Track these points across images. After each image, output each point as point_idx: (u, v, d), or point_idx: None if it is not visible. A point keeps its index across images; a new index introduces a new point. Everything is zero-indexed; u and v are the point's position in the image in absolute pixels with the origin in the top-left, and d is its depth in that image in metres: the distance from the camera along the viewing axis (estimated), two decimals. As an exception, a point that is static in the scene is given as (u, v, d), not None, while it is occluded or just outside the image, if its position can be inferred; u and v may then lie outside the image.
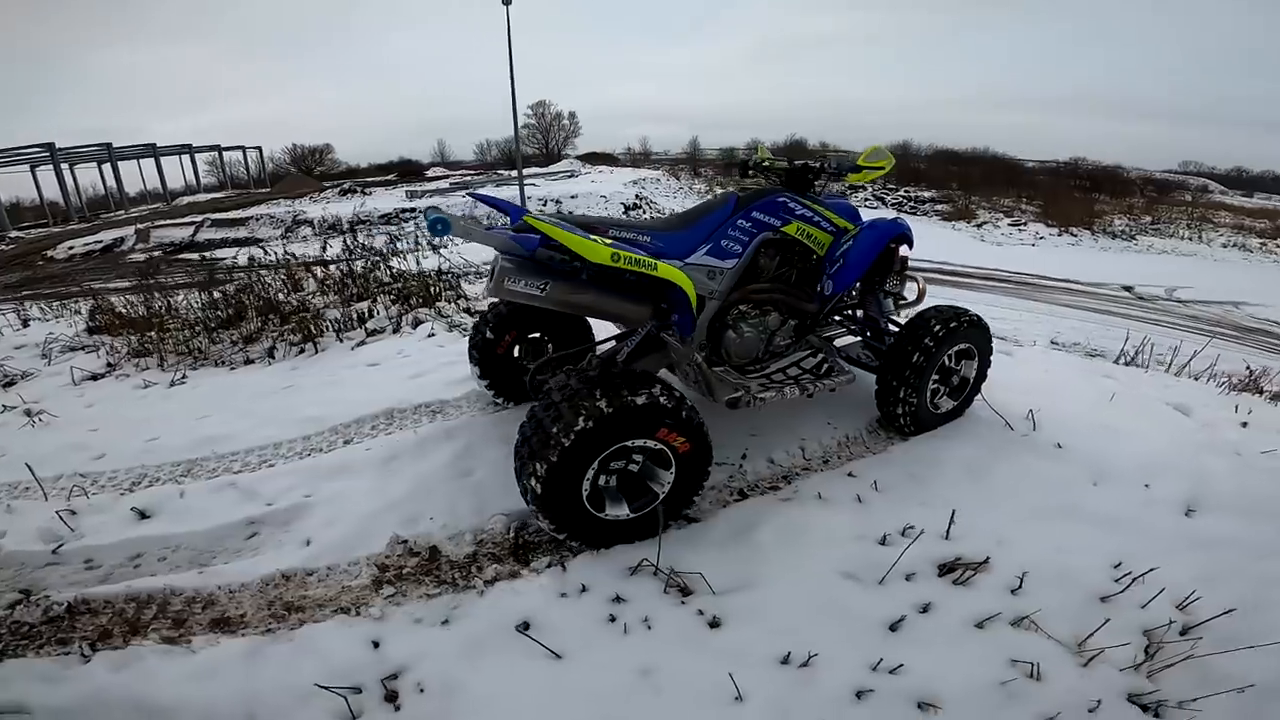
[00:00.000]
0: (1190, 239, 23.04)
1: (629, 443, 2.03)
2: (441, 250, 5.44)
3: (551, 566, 2.10)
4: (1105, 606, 1.82)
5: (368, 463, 2.65)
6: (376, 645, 1.79)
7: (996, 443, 2.66)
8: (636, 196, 23.55)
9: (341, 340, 4.06)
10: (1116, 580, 1.90)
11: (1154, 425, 2.78)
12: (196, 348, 4.00)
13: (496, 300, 3.04)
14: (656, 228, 2.53)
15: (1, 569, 2.09)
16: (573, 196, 22.37)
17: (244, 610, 1.96)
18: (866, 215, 2.88)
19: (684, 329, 2.44)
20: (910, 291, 3.00)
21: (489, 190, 23.61)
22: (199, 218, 23.73)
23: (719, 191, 2.85)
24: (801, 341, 2.89)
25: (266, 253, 5.59)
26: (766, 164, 2.91)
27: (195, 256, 13.31)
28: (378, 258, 5.12)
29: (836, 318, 3.16)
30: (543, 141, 55.69)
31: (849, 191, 22.38)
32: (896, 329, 2.89)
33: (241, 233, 21.49)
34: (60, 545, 2.20)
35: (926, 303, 2.88)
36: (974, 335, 2.74)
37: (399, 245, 5.48)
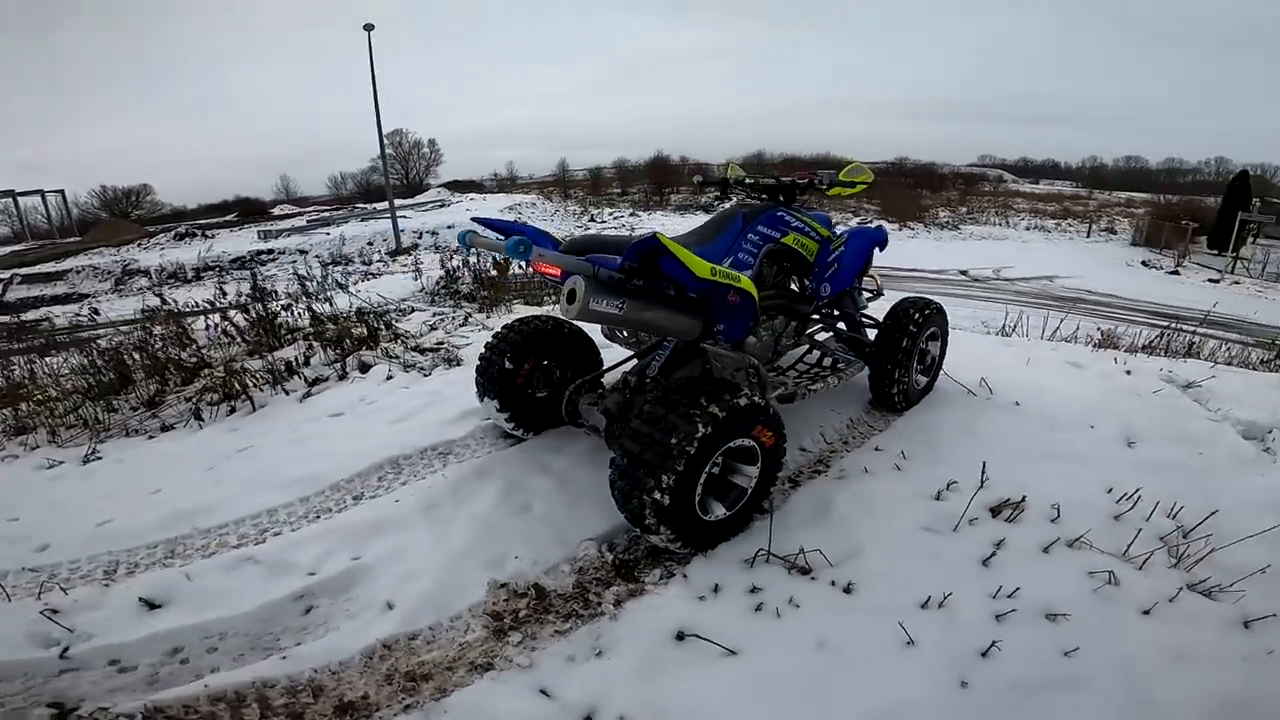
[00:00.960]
0: (1000, 224, 27.82)
1: (733, 443, 2.14)
2: (351, 290, 5.00)
3: (666, 578, 2.13)
4: (1122, 524, 2.28)
5: (407, 514, 2.43)
6: (548, 694, 1.70)
7: (970, 407, 3.15)
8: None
9: (286, 393, 3.61)
10: (1117, 502, 2.38)
11: (1068, 380, 3.48)
12: (92, 417, 3.32)
13: (508, 327, 2.95)
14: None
15: (4, 681, 1.64)
16: (449, 226, 21.47)
17: (363, 690, 1.74)
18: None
19: (735, 334, 2.58)
20: (871, 287, 3.42)
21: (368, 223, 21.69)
22: (4, 274, 19.38)
23: (725, 208, 3.05)
24: (800, 340, 3.18)
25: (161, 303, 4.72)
26: (751, 181, 3.16)
27: (8, 319, 10.62)
28: (288, 301, 4.58)
29: (814, 316, 3.50)
30: (402, 171, 52.44)
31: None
32: (871, 322, 3.29)
33: (61, 288, 18.53)
34: (66, 649, 1.78)
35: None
36: (939, 320, 3.22)
37: (308, 286, 4.94)
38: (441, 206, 29.83)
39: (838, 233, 3.19)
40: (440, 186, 43.18)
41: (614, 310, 2.17)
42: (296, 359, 3.94)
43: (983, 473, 2.48)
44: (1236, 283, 16.12)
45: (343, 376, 3.82)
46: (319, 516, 2.51)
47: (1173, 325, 4.79)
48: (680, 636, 1.86)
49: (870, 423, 3.13)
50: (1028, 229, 27.32)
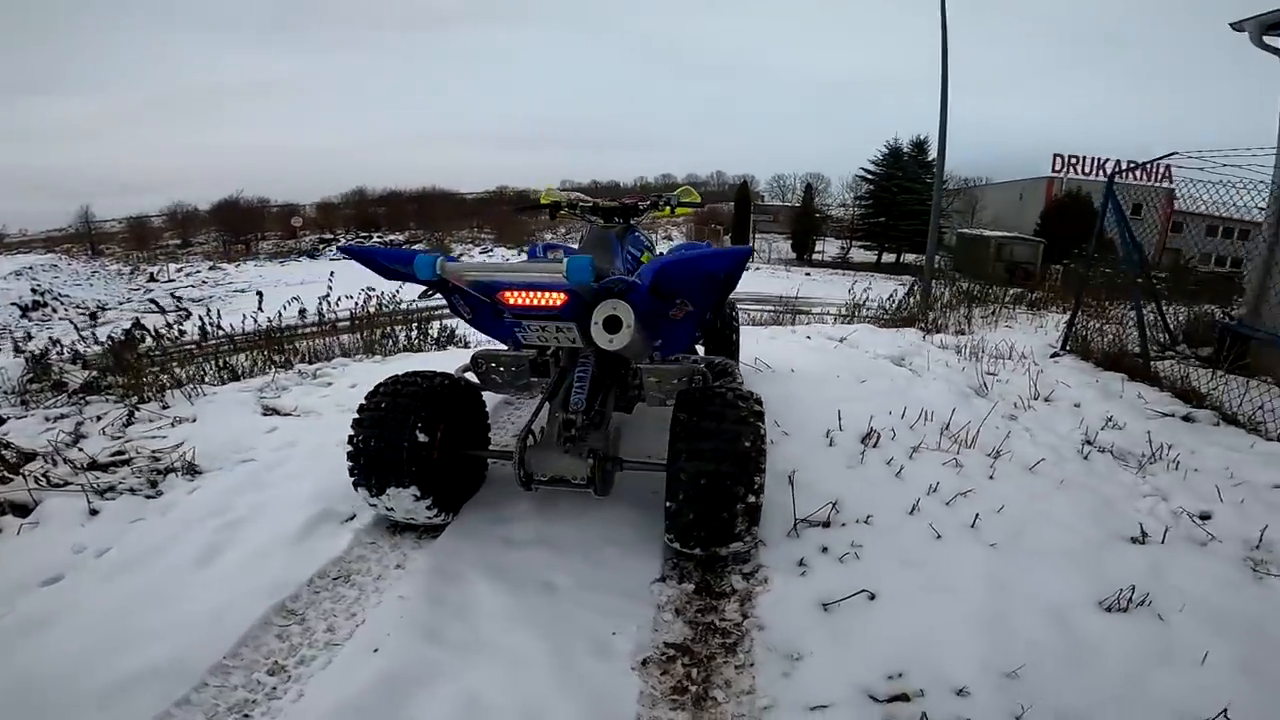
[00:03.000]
0: None
1: None
2: None
3: (747, 577, 2.16)
4: (914, 430, 3.33)
5: (434, 665, 1.73)
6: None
7: (772, 378, 3.96)
8: (34, 290, 15.48)
9: None
10: (901, 416, 3.45)
11: (801, 352, 4.68)
12: None
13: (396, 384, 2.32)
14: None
15: None
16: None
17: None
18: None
19: (679, 347, 2.68)
20: None
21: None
22: None
23: (593, 229, 2.92)
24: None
25: None
26: (591, 204, 3.24)
27: None
28: None
29: None
30: None
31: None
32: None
33: None
34: None
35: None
36: (733, 313, 3.94)
37: None
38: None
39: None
40: None
41: (638, 336, 2.06)
42: None
43: (839, 419, 3.24)
44: (758, 269, 22.81)
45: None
46: (244, 733, 1.55)
47: (775, 308, 6.80)
48: (825, 606, 1.96)
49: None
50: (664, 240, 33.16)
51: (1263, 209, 4.32)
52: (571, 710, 1.54)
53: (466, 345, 5.92)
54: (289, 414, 3.60)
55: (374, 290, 5.59)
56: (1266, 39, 4.65)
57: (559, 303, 2.00)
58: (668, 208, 3.25)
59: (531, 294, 2.00)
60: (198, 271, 29.67)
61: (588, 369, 2.51)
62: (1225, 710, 1.49)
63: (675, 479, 2.05)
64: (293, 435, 3.20)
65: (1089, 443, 3.30)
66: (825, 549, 2.25)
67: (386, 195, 45.63)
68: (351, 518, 2.43)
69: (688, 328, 2.51)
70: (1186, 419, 3.60)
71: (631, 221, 3.20)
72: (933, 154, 25.35)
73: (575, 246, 3.66)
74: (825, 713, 1.56)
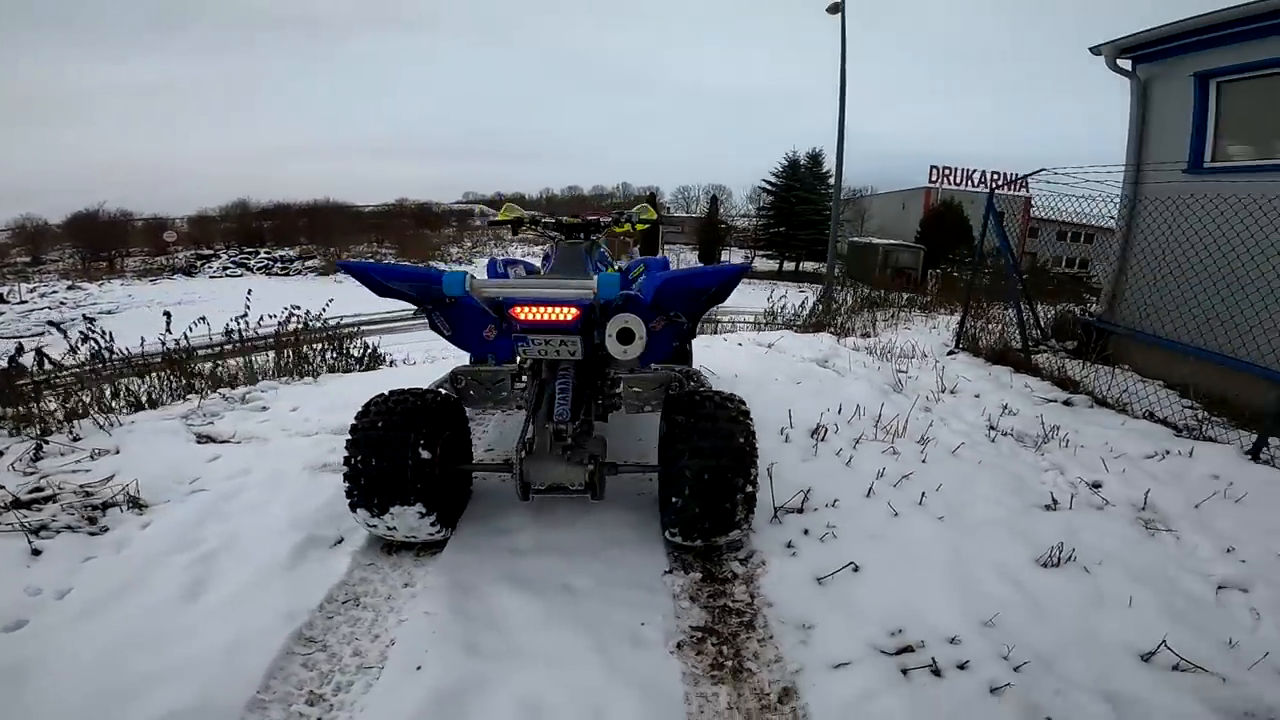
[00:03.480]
0: (525, 255, 30.89)
1: None
2: None
3: (744, 561, 2.34)
4: (851, 424, 3.68)
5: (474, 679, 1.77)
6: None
7: (726, 382, 4.21)
8: None
9: None
10: (836, 413, 3.81)
11: (737, 358, 4.96)
12: None
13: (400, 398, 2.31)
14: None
15: None
16: None
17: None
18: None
19: (661, 355, 2.83)
20: None
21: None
22: None
23: (565, 246, 3.01)
24: None
25: None
26: (554, 221, 3.33)
27: None
28: None
29: None
30: None
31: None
32: None
33: None
34: None
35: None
36: None
37: None
38: None
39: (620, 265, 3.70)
40: None
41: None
42: None
43: (790, 417, 3.53)
44: None
45: None
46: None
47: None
48: (819, 580, 2.18)
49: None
50: (524, 255, 32.45)
51: (1114, 218, 5.16)
52: (627, 696, 1.64)
53: (393, 365, 5.73)
54: (228, 441, 3.37)
55: (298, 309, 5.29)
56: (1119, 62, 5.54)
57: (571, 318, 2.10)
58: (627, 224, 3.40)
59: (545, 309, 2.08)
60: (54, 291, 26.05)
61: (568, 381, 2.60)
62: (1164, 640, 1.85)
63: (678, 476, 2.20)
64: (243, 463, 3.02)
65: (993, 428, 3.80)
66: (806, 531, 2.48)
67: (273, 208, 42.12)
68: (339, 541, 2.39)
69: (668, 338, 2.66)
70: (1067, 403, 4.24)
71: (594, 237, 3.32)
72: (827, 165, 27.23)
73: (535, 262, 3.73)
74: (848, 669, 1.76)
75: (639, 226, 3.49)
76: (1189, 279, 4.57)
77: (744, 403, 2.42)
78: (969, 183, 32.30)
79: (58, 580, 2.07)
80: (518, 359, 2.89)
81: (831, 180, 27.06)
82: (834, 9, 14.21)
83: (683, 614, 2.04)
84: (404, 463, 2.15)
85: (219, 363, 4.86)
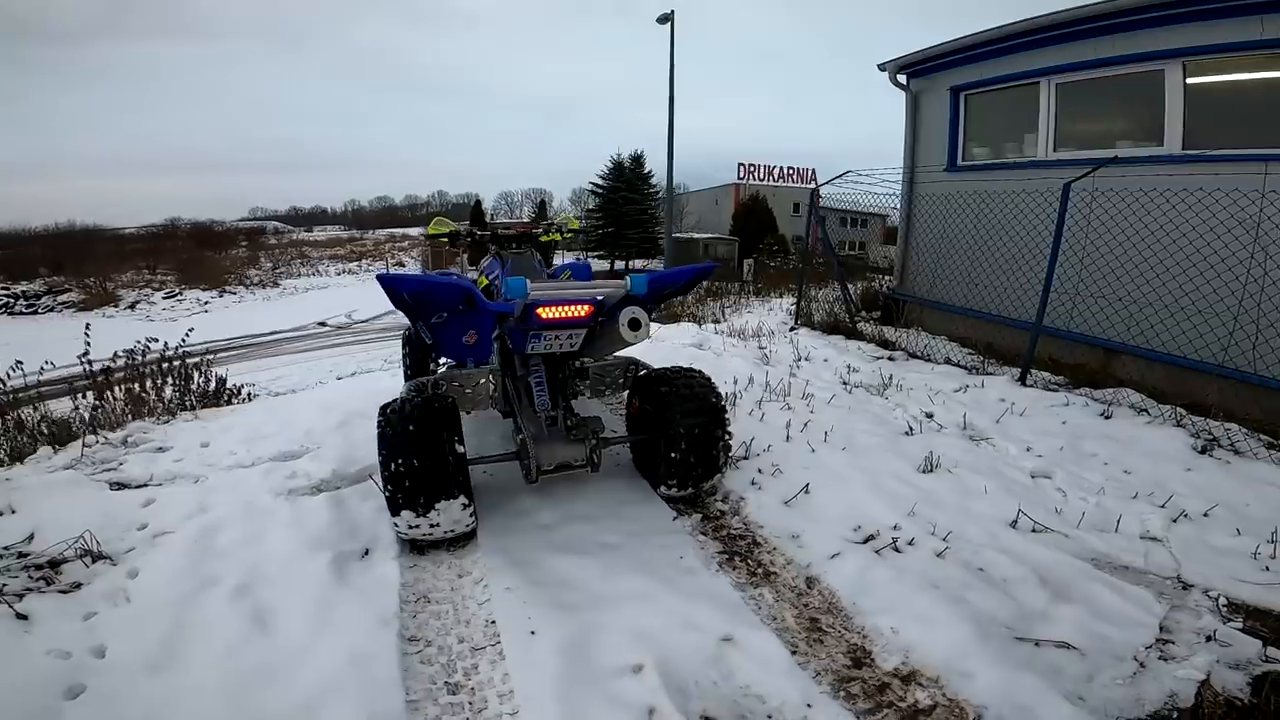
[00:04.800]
0: (313, 274, 26.03)
1: None
2: None
3: (723, 498, 2.88)
4: (775, 387, 4.44)
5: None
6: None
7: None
8: None
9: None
10: (764, 377, 4.54)
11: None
12: None
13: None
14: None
15: None
16: None
17: None
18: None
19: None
20: None
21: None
22: None
23: (518, 253, 3.20)
24: None
25: None
26: (490, 234, 3.57)
27: None
28: None
29: None
30: None
31: None
32: None
33: None
34: None
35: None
36: None
37: None
38: None
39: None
40: None
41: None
42: None
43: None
44: None
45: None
46: None
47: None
48: (786, 503, 2.81)
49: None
50: (339, 274, 28.54)
51: (895, 209, 6.59)
52: (705, 607, 2.08)
53: (250, 398, 5.29)
54: (146, 485, 3.09)
55: (152, 341, 4.71)
56: (899, 77, 7.00)
57: (585, 314, 2.46)
58: (557, 233, 3.75)
59: (566, 307, 2.41)
60: None
61: (542, 374, 2.95)
62: (1020, 511, 2.75)
63: (674, 435, 2.69)
64: (192, 503, 2.83)
65: (845, 383, 4.80)
66: (760, 471, 3.11)
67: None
68: (366, 553, 2.45)
69: None
70: (890, 359, 5.44)
71: (528, 246, 3.63)
72: (649, 166, 28.72)
73: (473, 269, 3.90)
74: (841, 558, 2.40)
75: (566, 235, 3.86)
76: (953, 256, 6.09)
77: (707, 375, 2.96)
78: (771, 178, 36.62)
79: (78, 641, 1.93)
80: (490, 360, 3.14)
81: (653, 180, 28.89)
82: (663, 19, 15.22)
83: (704, 545, 2.53)
84: (445, 458, 2.34)
85: (36, 407, 4.21)
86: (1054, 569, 2.34)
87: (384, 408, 2.49)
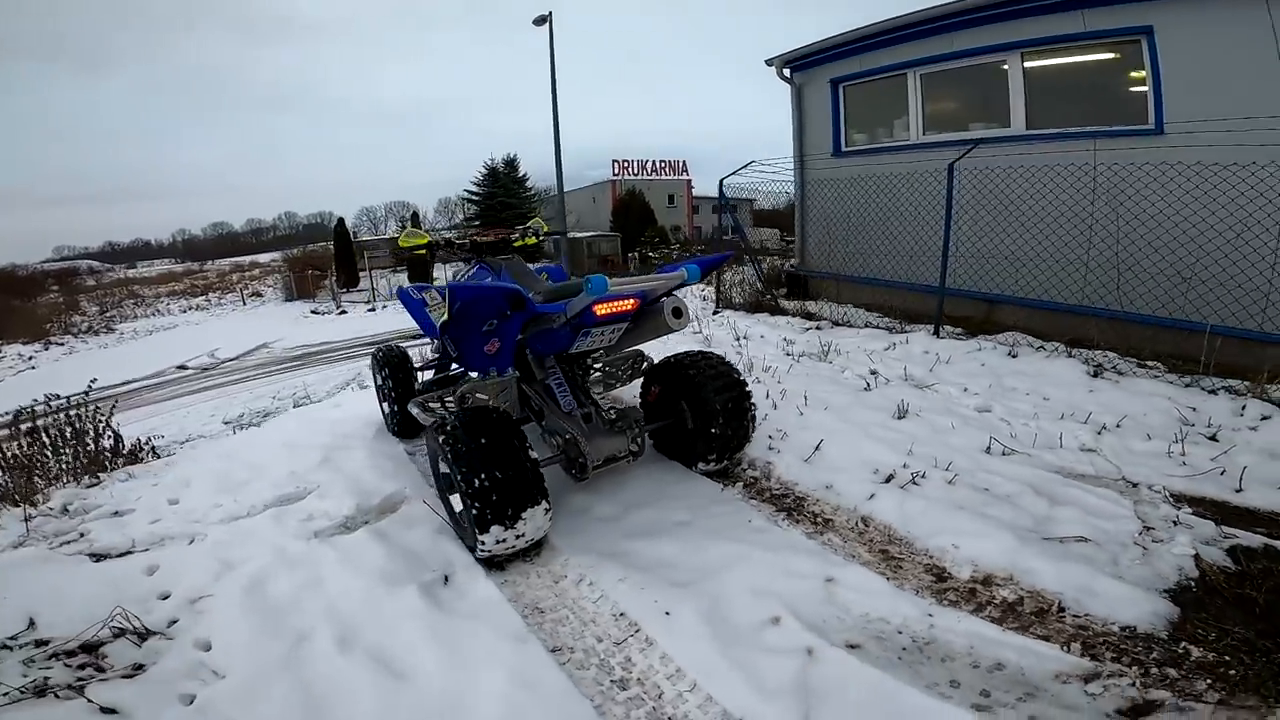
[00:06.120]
0: (156, 314, 23.58)
1: None
2: None
3: (750, 466, 3.15)
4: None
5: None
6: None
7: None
8: None
9: None
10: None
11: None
12: None
13: None
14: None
15: None
16: None
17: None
18: None
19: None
20: None
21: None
22: None
23: (511, 260, 3.22)
24: None
25: None
26: (467, 243, 3.56)
27: None
28: None
29: None
30: None
31: None
32: None
33: None
34: None
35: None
36: None
37: None
38: None
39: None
40: None
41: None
42: None
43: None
44: (384, 307, 19.20)
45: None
46: None
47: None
48: (806, 460, 3.13)
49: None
50: (184, 311, 24.89)
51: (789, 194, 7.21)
52: (793, 556, 2.34)
53: (157, 456, 4.67)
54: (134, 551, 2.77)
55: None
56: (785, 71, 7.58)
57: (631, 307, 2.58)
58: (533, 237, 3.78)
59: (619, 302, 2.51)
60: None
61: (560, 376, 3.05)
62: (991, 439, 3.26)
63: (712, 412, 2.91)
64: (213, 560, 2.58)
65: (789, 354, 5.26)
66: (770, 437, 3.40)
67: None
68: (447, 579, 2.39)
69: None
70: (818, 329, 6.00)
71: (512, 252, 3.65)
72: (523, 169, 28.03)
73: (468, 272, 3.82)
74: (876, 498, 2.74)
75: (540, 239, 3.90)
76: (848, 232, 6.81)
77: (722, 355, 3.20)
78: (645, 172, 37.46)
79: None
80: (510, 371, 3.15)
81: (529, 183, 28.28)
82: (540, 21, 14.98)
83: (758, 507, 2.78)
84: (525, 466, 2.36)
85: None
86: (1037, 482, 2.85)
87: (439, 427, 2.44)
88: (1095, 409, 3.63)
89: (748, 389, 3.06)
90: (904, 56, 6.43)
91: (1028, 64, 5.63)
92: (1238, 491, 2.73)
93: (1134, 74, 5.00)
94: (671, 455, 3.24)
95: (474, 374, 3.78)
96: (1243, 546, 2.33)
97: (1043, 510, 2.62)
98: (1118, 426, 3.43)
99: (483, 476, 2.29)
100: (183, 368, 10.81)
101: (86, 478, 3.76)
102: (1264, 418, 3.32)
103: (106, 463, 4.13)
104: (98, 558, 2.71)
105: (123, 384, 9.72)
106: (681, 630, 2.00)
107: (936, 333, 5.32)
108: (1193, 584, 2.14)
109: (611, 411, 2.90)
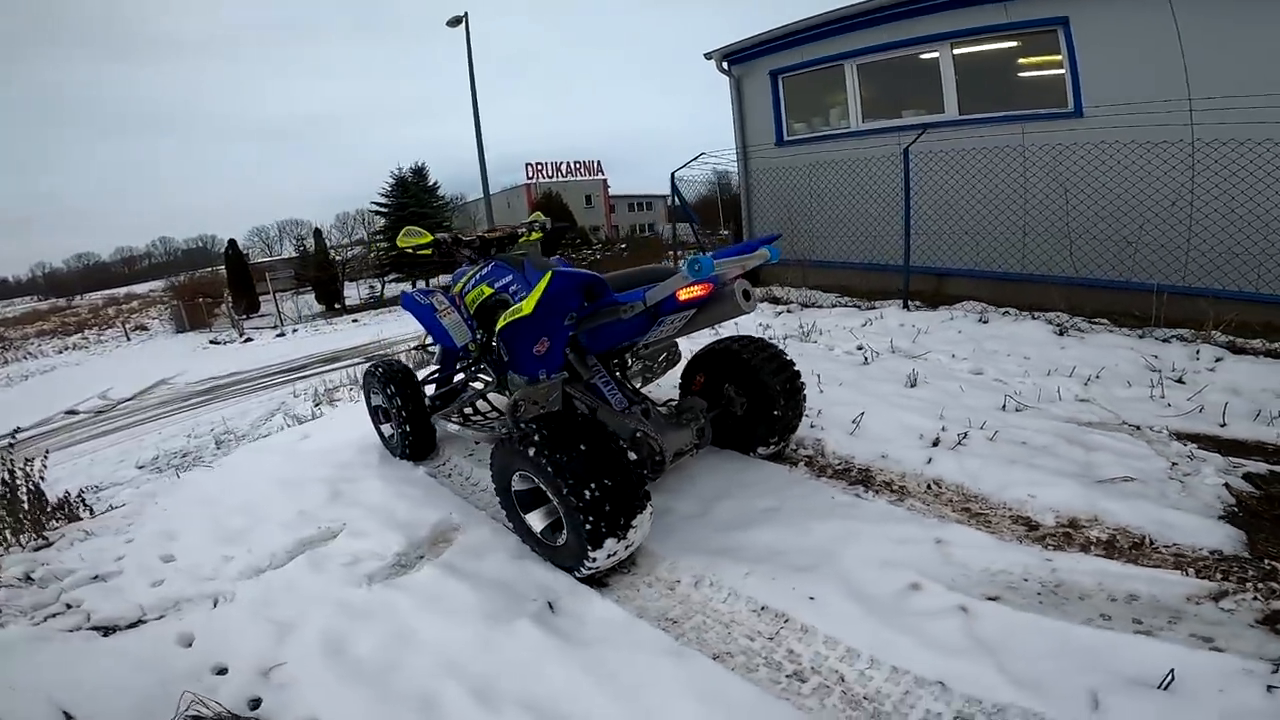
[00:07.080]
0: (29, 357, 21.51)
1: None
2: None
3: (799, 446, 3.19)
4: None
5: None
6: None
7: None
8: None
9: None
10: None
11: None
12: None
13: None
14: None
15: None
16: None
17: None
18: None
19: None
20: None
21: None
22: None
23: (532, 256, 2.99)
24: None
25: None
26: (475, 240, 3.37)
27: None
28: None
29: None
30: None
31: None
32: None
33: None
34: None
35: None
36: None
37: None
38: None
39: None
40: None
41: None
42: None
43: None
44: (295, 331, 17.78)
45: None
46: None
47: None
48: (851, 432, 3.21)
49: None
50: (62, 352, 21.49)
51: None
52: (894, 524, 2.39)
53: (92, 512, 4.03)
54: (148, 620, 2.38)
55: None
56: (724, 64, 7.69)
57: (704, 292, 2.52)
58: (539, 231, 3.63)
59: (698, 287, 2.44)
60: None
61: (605, 373, 2.96)
62: (1005, 398, 3.48)
63: (770, 395, 2.90)
64: (265, 623, 2.25)
65: (772, 337, 5.35)
66: (808, 415, 3.44)
67: None
68: (551, 605, 2.21)
69: None
70: (789, 311, 6.18)
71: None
72: (433, 179, 26.62)
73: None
74: (935, 462, 2.84)
75: (544, 233, 3.74)
76: (795, 217, 7.06)
77: (761, 337, 3.21)
78: (559, 174, 36.89)
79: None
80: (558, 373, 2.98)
81: (440, 191, 26.78)
82: (454, 22, 14.25)
83: (831, 484, 2.81)
84: (629, 471, 2.24)
85: None
86: (1063, 432, 3.08)
87: (525, 439, 2.26)
88: (1073, 363, 3.98)
89: (796, 371, 3.07)
90: (841, 48, 6.73)
91: (957, 52, 6.07)
92: (1222, 426, 3.09)
93: (1054, 60, 5.52)
94: (722, 444, 3.21)
95: (484, 379, 3.57)
96: (1254, 474, 2.62)
97: (1081, 456, 2.84)
98: (1097, 378, 3.78)
99: (593, 487, 2.14)
100: (71, 412, 9.35)
101: (30, 540, 3.19)
102: (1218, 359, 3.78)
103: (44, 521, 3.51)
104: (106, 631, 2.30)
105: (18, 429, 8.33)
106: (833, 612, 1.98)
107: (906, 306, 5.63)
108: (1236, 509, 2.39)
109: (671, 404, 2.82)
